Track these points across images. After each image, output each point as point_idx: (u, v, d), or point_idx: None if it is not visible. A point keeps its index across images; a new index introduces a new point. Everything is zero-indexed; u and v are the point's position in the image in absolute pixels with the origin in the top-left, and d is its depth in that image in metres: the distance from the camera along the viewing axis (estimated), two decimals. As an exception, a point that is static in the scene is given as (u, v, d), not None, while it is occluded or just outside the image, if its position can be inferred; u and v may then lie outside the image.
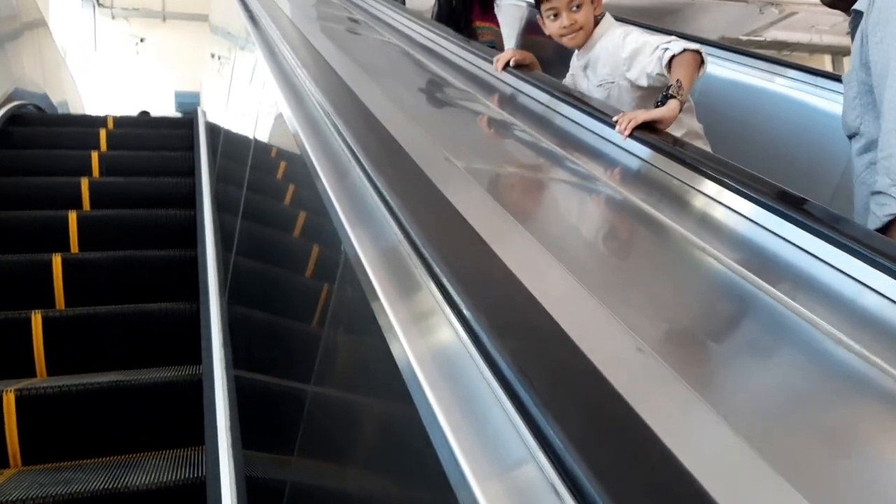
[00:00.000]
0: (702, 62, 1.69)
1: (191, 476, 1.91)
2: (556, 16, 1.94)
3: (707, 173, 1.30)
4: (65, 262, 2.80)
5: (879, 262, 0.96)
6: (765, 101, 3.15)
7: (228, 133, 3.50)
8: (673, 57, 1.69)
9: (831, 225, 1.06)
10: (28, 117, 4.93)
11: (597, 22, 1.97)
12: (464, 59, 2.45)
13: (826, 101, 2.77)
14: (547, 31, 2.01)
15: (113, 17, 14.06)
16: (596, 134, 1.64)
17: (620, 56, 1.87)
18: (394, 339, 0.77)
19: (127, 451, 2.08)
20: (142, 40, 14.21)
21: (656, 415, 0.58)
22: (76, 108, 7.42)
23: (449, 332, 0.73)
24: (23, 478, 1.91)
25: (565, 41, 1.99)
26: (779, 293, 0.95)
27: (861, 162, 1.55)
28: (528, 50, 2.21)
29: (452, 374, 0.68)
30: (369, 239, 0.99)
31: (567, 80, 2.17)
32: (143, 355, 2.47)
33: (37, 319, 2.41)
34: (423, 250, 0.84)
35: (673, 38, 1.76)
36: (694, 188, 1.31)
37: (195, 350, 2.34)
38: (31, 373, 2.39)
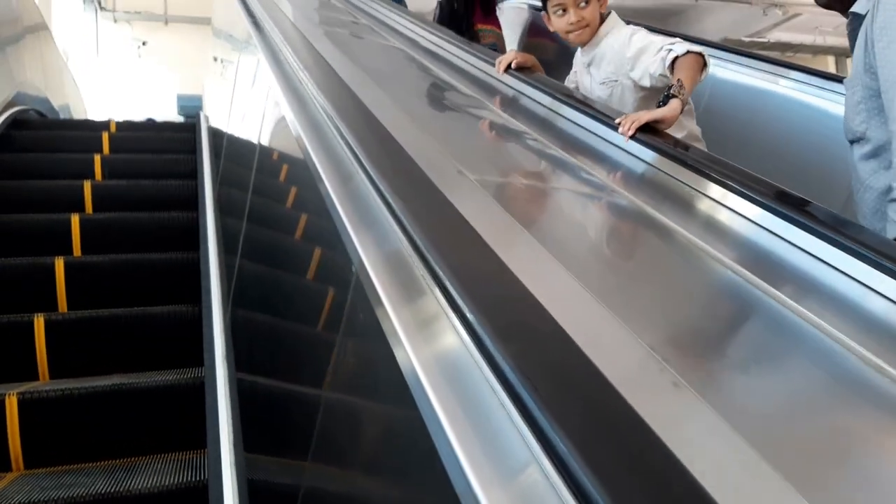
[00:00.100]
0: (704, 65, 1.69)
1: (193, 479, 1.90)
2: (563, 12, 1.93)
3: (712, 176, 1.30)
4: (67, 265, 2.80)
5: (886, 265, 0.95)
6: (768, 102, 3.15)
7: (231, 136, 3.50)
8: (676, 58, 1.69)
9: (837, 228, 1.06)
10: (30, 122, 4.93)
11: (602, 19, 1.96)
12: (466, 61, 2.45)
13: (833, 103, 2.76)
14: (553, 28, 1.99)
15: (115, 21, 14.06)
16: (599, 136, 1.63)
17: (625, 55, 1.87)
18: (397, 343, 0.76)
19: (129, 455, 2.07)
20: (144, 44, 14.19)
21: (661, 419, 0.58)
22: (78, 113, 7.40)
23: (452, 336, 0.72)
24: (25, 481, 1.91)
25: (571, 38, 1.97)
26: (783, 296, 0.95)
27: (867, 167, 1.52)
28: (529, 52, 2.21)
29: (456, 379, 0.68)
30: (372, 243, 0.98)
31: (570, 78, 2.16)
32: (145, 358, 2.47)
33: (39, 322, 2.41)
34: (427, 253, 0.83)
35: (678, 39, 1.76)
36: (699, 191, 1.31)
37: (197, 353, 2.34)
38: (34, 376, 2.39)
